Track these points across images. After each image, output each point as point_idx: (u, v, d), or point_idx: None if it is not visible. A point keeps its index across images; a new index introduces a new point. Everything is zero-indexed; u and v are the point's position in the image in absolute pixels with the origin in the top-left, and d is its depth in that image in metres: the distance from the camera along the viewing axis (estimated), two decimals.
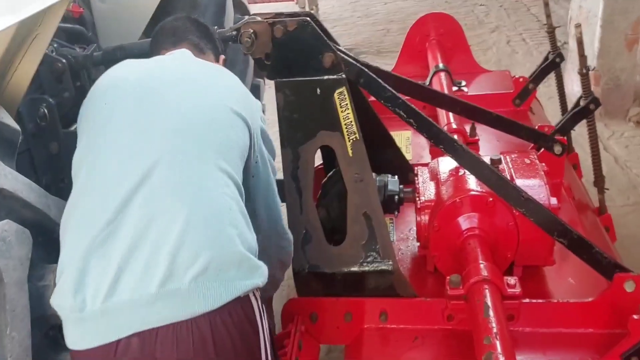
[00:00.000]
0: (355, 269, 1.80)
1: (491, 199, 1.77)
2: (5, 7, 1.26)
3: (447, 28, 3.19)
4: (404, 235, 2.18)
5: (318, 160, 2.06)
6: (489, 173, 1.71)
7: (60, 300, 1.14)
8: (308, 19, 1.74)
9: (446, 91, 2.74)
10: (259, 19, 1.79)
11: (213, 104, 1.43)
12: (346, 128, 1.78)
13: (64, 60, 1.98)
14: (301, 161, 1.83)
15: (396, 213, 2.12)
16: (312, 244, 1.82)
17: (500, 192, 1.71)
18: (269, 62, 1.78)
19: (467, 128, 2.43)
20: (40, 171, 1.97)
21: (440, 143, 1.77)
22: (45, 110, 1.98)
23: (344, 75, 1.76)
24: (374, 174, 2.04)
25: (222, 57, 1.81)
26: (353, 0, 7.54)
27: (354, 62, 1.83)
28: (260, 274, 1.25)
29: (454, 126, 2.39)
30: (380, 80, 1.82)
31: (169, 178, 1.22)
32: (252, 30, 1.74)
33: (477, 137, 2.39)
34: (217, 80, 1.55)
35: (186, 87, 1.44)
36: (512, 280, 1.64)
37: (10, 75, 1.45)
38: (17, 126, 1.32)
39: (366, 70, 1.81)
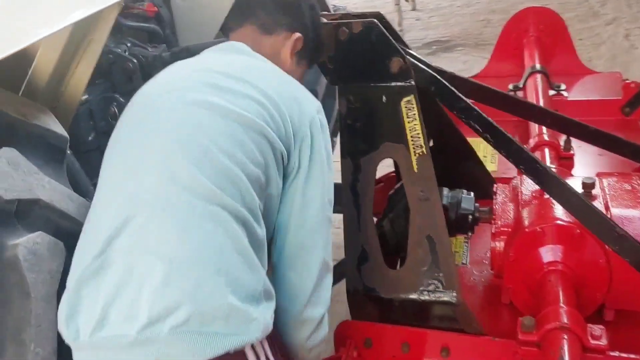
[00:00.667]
0: (414, 296, 1.64)
1: (578, 231, 1.52)
2: (55, 12, 1.25)
3: (548, 24, 2.86)
4: (480, 258, 1.97)
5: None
6: (575, 201, 1.47)
7: (59, 326, 1.11)
8: (375, 20, 1.58)
9: (541, 96, 2.46)
10: (324, 20, 1.66)
11: (218, 118, 1.22)
12: (412, 141, 1.61)
13: (135, 61, 1.98)
14: (362, 174, 1.68)
15: (469, 234, 1.91)
16: (368, 264, 1.68)
17: (588, 224, 1.47)
18: (332, 65, 1.65)
19: (563, 140, 2.15)
20: None
21: (520, 162, 1.55)
22: (116, 109, 2.00)
23: (413, 82, 1.58)
24: (446, 189, 1.86)
25: (297, 35, 1.49)
26: None
27: (425, 67, 1.65)
28: (256, 329, 1.09)
29: (546, 138, 2.12)
30: (453, 89, 1.62)
31: (153, 217, 1.11)
32: None
33: (572, 152, 2.10)
34: (243, 86, 1.29)
35: (194, 99, 1.24)
36: (597, 330, 1.39)
37: (67, 80, 1.46)
38: (64, 132, 1.30)
39: (438, 77, 1.63)
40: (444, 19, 6.26)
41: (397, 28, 5.67)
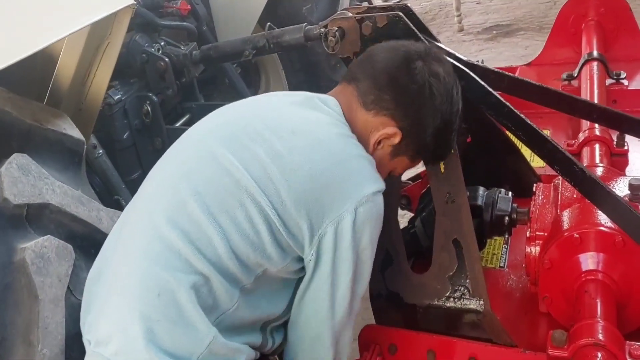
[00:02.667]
0: (439, 303, 1.56)
1: (620, 238, 1.39)
2: (71, 16, 1.28)
3: (609, 6, 2.64)
4: (519, 262, 1.85)
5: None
6: (616, 205, 1.34)
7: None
8: (400, 13, 1.51)
9: (596, 86, 2.27)
10: (348, 14, 1.60)
11: (220, 175, 1.14)
12: None
13: (166, 59, 2.02)
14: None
15: (507, 236, 1.80)
16: (392, 268, 1.62)
17: (631, 231, 1.33)
18: None
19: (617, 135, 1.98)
20: (145, 165, 2.06)
21: (554, 163, 1.43)
22: (149, 108, 2.05)
23: None
24: (481, 189, 1.76)
25: (390, 129, 1.26)
26: None
27: (453, 61, 1.55)
28: None
29: (597, 133, 1.95)
30: (483, 84, 1.52)
31: (129, 240, 1.16)
32: (337, 28, 1.56)
33: (625, 148, 1.92)
34: (267, 153, 1.15)
35: (208, 148, 1.19)
36: (637, 348, 1.27)
37: (89, 83, 1.50)
38: (81, 136, 1.34)
39: (467, 70, 1.53)
40: (506, 1, 5.96)
41: (455, 13, 5.50)
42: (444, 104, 1.27)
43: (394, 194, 1.63)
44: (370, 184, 1.19)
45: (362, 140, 1.26)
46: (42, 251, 1.14)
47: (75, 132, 1.33)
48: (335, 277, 1.19)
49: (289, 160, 1.14)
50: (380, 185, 1.21)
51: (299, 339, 1.27)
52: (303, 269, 1.23)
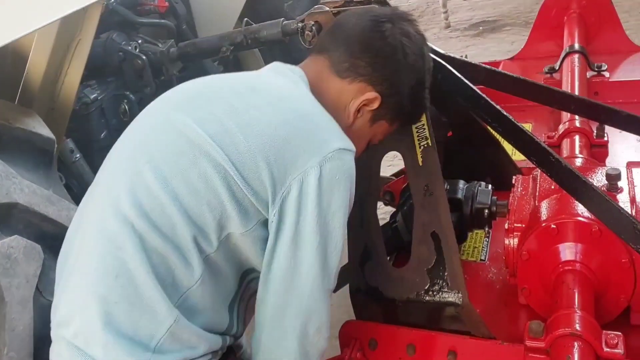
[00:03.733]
0: (418, 296, 1.55)
1: (597, 228, 1.38)
2: (41, 9, 1.26)
3: None
4: (500, 254, 1.84)
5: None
6: (592, 195, 1.33)
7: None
8: (375, 6, 1.50)
9: (577, 77, 2.28)
10: (325, 8, 1.60)
11: (174, 138, 1.09)
12: (417, 132, 1.53)
13: (144, 57, 2.00)
14: (364, 168, 1.60)
15: (487, 229, 1.80)
16: (371, 262, 1.61)
17: (607, 220, 1.33)
18: None
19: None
20: None
21: (530, 154, 1.43)
22: (127, 107, 2.03)
23: None
24: (461, 182, 1.76)
25: (370, 94, 1.23)
26: None
27: (431, 54, 1.54)
28: None
29: (577, 124, 1.95)
30: (460, 77, 1.51)
31: (88, 222, 1.13)
32: (313, 22, 1.56)
33: (605, 139, 1.93)
34: (225, 109, 1.11)
35: (163, 116, 1.15)
36: (614, 337, 1.27)
37: (61, 81, 1.49)
38: (51, 135, 1.32)
39: (444, 63, 1.52)
40: None
41: (441, 10, 5.50)
42: (417, 62, 1.26)
43: (372, 190, 1.63)
44: (337, 140, 1.11)
45: (336, 111, 1.20)
46: (8, 252, 1.13)
47: (45, 131, 1.32)
48: (299, 245, 1.08)
49: (247, 116, 1.10)
50: (350, 144, 1.13)
51: (263, 321, 1.14)
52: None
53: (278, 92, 1.16)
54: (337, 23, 1.31)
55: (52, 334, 1.10)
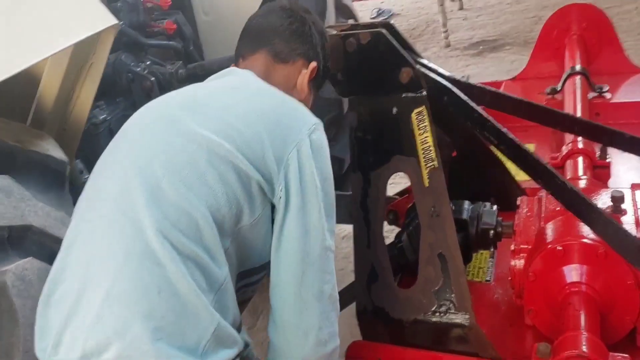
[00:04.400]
0: (425, 317, 1.56)
1: (603, 250, 1.40)
2: (56, 35, 1.29)
3: (591, 21, 2.68)
4: (505, 275, 1.85)
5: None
6: (597, 217, 1.35)
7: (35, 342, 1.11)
8: (383, 31, 1.53)
9: (579, 98, 2.31)
10: (332, 31, 1.62)
11: (181, 141, 1.15)
12: (423, 153, 1.54)
13: (152, 78, 2.02)
14: (372, 188, 1.63)
15: (493, 250, 1.81)
16: (378, 283, 1.62)
17: (612, 243, 1.34)
18: (341, 77, 1.61)
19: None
20: None
21: (536, 175, 1.45)
22: None
23: (424, 93, 1.52)
24: (467, 202, 1.77)
25: (313, 64, 1.42)
26: None
27: (437, 77, 1.57)
28: None
29: (580, 145, 1.97)
30: (466, 99, 1.54)
31: (100, 248, 1.08)
32: None
33: (608, 160, 1.95)
34: (219, 109, 1.22)
35: (164, 127, 1.19)
36: (620, 359, 1.28)
37: (73, 103, 1.50)
38: (64, 157, 1.34)
39: (450, 86, 1.55)
40: (492, 17, 6.04)
41: (441, 29, 5.56)
42: (319, 25, 1.47)
43: (379, 210, 1.64)
44: (311, 116, 1.28)
45: (288, 91, 1.35)
46: (23, 273, 1.13)
47: (58, 153, 1.33)
48: (306, 210, 1.18)
49: (240, 108, 1.22)
50: (318, 119, 1.29)
51: (282, 301, 1.21)
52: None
53: (255, 86, 1.32)
54: (254, 25, 1.46)
55: None
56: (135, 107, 2.09)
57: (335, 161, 2.39)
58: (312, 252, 1.20)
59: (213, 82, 1.37)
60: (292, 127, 1.22)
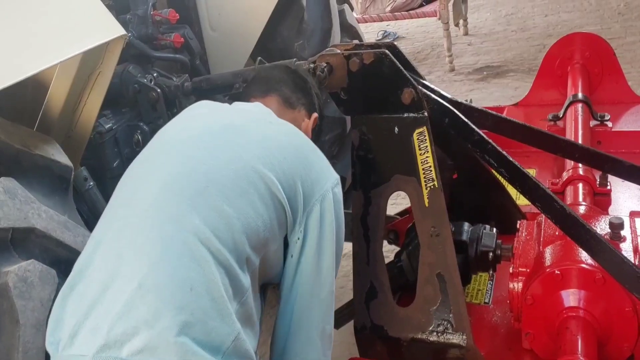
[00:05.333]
0: (422, 337, 1.56)
1: (601, 276, 1.40)
2: (65, 42, 1.31)
3: (594, 50, 2.71)
4: (504, 297, 1.85)
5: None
6: (595, 243, 1.36)
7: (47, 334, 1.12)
8: (386, 51, 1.56)
9: (581, 126, 2.33)
10: (336, 51, 1.65)
11: (227, 161, 1.22)
12: (424, 173, 1.56)
13: (158, 90, 2.04)
14: (372, 206, 1.64)
15: (491, 272, 1.81)
16: (376, 300, 1.62)
17: (610, 269, 1.35)
18: (345, 97, 1.63)
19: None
20: None
21: (536, 200, 1.46)
22: (140, 137, 2.06)
23: (425, 114, 1.54)
24: (466, 224, 1.78)
25: (315, 115, 1.58)
26: (509, 13, 6.99)
27: (438, 99, 1.60)
28: None
29: (580, 172, 1.98)
30: (467, 121, 1.56)
31: (134, 242, 1.10)
32: (325, 64, 1.61)
33: (608, 187, 1.96)
34: (259, 136, 1.31)
35: (209, 142, 1.27)
36: None
37: (80, 110, 1.52)
38: (69, 162, 1.35)
39: (451, 108, 1.57)
40: (497, 43, 6.10)
41: (446, 54, 5.62)
42: (316, 88, 1.62)
43: (379, 228, 1.65)
44: (334, 171, 1.38)
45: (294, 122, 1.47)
46: (25, 275, 1.13)
47: (63, 159, 1.34)
48: (321, 254, 1.29)
49: (279, 140, 1.31)
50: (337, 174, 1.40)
51: (287, 330, 1.30)
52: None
53: (287, 125, 1.42)
54: (263, 74, 1.64)
55: (89, 356, 1.02)
56: (140, 117, 2.13)
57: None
58: (321, 293, 1.31)
59: (244, 109, 1.45)
60: (320, 178, 1.32)
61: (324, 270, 1.30)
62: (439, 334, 1.53)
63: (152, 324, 1.01)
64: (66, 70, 1.42)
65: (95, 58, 1.44)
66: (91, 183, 1.79)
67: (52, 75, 1.46)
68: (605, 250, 1.35)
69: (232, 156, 1.23)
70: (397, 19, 5.93)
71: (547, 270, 1.48)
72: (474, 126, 1.57)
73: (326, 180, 1.33)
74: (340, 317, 1.77)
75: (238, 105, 1.49)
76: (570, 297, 1.45)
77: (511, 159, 1.51)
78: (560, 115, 2.51)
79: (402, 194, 1.64)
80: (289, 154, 1.29)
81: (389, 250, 1.99)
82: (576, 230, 1.40)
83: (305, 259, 1.28)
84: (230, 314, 1.09)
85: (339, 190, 1.35)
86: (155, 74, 2.08)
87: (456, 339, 1.51)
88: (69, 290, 1.12)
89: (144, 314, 1.02)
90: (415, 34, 6.89)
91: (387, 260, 1.73)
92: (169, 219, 1.12)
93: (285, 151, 1.29)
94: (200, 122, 1.36)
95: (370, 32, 6.71)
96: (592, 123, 2.46)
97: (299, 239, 1.28)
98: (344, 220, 1.38)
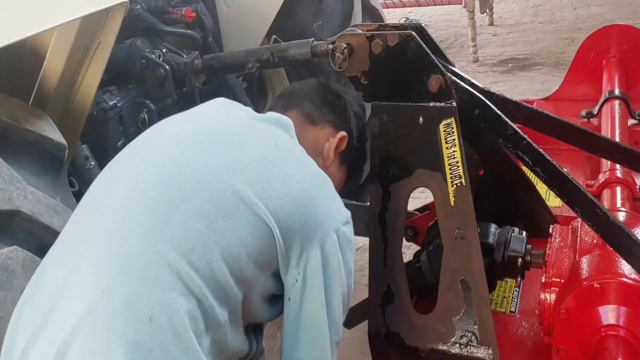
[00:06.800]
0: (443, 348, 1.43)
1: None
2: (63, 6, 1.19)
3: (633, 44, 2.54)
4: (532, 307, 1.70)
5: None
6: None
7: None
8: (413, 33, 1.40)
9: (617, 125, 2.16)
10: (358, 31, 1.50)
11: (215, 173, 1.06)
12: (450, 169, 1.42)
13: (167, 67, 1.93)
14: (391, 202, 1.50)
15: (519, 279, 1.67)
16: (393, 305, 1.49)
17: None
18: (365, 81, 1.49)
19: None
20: None
21: (574, 204, 1.32)
22: (146, 116, 1.95)
23: (454, 104, 1.39)
24: (493, 226, 1.63)
25: (342, 133, 1.41)
26: (537, 4, 6.76)
27: (469, 88, 1.45)
28: None
29: (619, 175, 1.83)
30: (500, 114, 1.41)
31: (95, 251, 0.96)
32: (345, 45, 1.46)
33: None
34: (258, 156, 1.13)
35: (198, 145, 1.12)
36: None
37: (78, 84, 1.41)
38: (62, 140, 1.23)
39: (483, 99, 1.42)
40: (523, 35, 5.89)
41: (470, 44, 5.43)
42: (358, 110, 1.51)
43: (398, 226, 1.51)
44: (344, 209, 1.22)
45: (316, 157, 1.30)
46: (6, 263, 1.03)
47: (56, 135, 1.23)
48: (329, 302, 1.15)
49: (283, 172, 1.13)
50: (348, 212, 1.23)
51: None
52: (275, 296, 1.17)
53: (296, 153, 1.24)
54: (290, 88, 1.55)
55: None
56: (147, 95, 2.01)
57: None
58: (326, 344, 1.17)
59: (251, 118, 1.28)
60: (326, 216, 1.15)
61: (333, 316, 1.16)
62: (462, 347, 1.40)
63: (102, 358, 0.86)
64: (63, 40, 1.31)
65: (94, 27, 1.32)
66: (92, 163, 1.68)
67: (48, 46, 1.34)
68: None
69: (223, 169, 1.07)
70: (420, 6, 5.74)
71: (585, 282, 1.33)
72: (507, 119, 1.42)
73: (331, 222, 1.15)
74: (354, 316, 1.65)
75: (248, 112, 1.32)
76: (610, 314, 1.30)
77: (548, 157, 1.36)
78: (595, 112, 2.35)
79: (422, 187, 1.50)
80: (292, 189, 1.11)
81: (406, 247, 1.86)
82: (620, 240, 1.26)
83: (311, 306, 1.14)
84: (197, 352, 0.94)
85: (347, 230, 1.18)
86: (164, 50, 1.96)
87: (481, 353, 1.38)
88: (27, 296, 0.99)
89: (92, 345, 0.87)
90: (438, 22, 6.69)
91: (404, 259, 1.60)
92: (135, 234, 0.97)
93: (287, 185, 1.11)
94: (197, 122, 1.21)
95: (391, 19, 6.52)
96: (630, 122, 2.29)
97: (297, 281, 1.12)
98: (352, 263, 1.22)
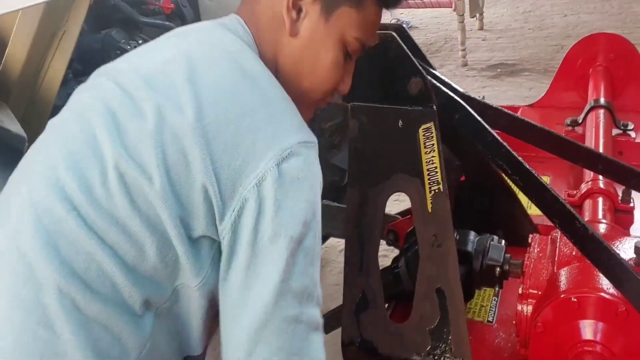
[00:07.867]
0: (417, 358, 1.39)
1: (624, 308, 1.22)
2: None
3: (620, 53, 2.52)
4: (510, 317, 1.67)
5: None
6: (618, 270, 1.18)
7: None
8: (393, 34, 1.36)
9: (602, 134, 2.14)
10: None
11: (79, 145, 0.87)
12: (428, 175, 1.38)
13: None
14: (368, 206, 1.46)
15: (497, 289, 1.64)
16: (368, 312, 1.45)
17: (636, 302, 1.17)
18: None
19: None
20: None
21: (553, 215, 1.28)
22: None
23: (434, 108, 1.35)
24: (472, 233, 1.60)
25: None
26: (527, 10, 6.77)
27: (449, 92, 1.41)
28: None
29: (601, 185, 1.80)
30: (480, 120, 1.38)
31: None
32: None
33: (631, 205, 1.77)
34: (152, 102, 0.86)
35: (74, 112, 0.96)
36: None
37: (42, 74, 1.34)
38: (22, 132, 1.17)
39: (463, 103, 1.38)
40: (512, 40, 5.89)
41: (459, 47, 5.41)
42: None
43: (375, 231, 1.47)
44: (296, 131, 0.87)
45: (276, 32, 0.97)
46: None
47: (15, 127, 1.17)
48: (256, 264, 0.82)
49: (183, 110, 0.84)
50: (311, 136, 0.88)
51: None
52: None
53: (212, 71, 0.90)
54: None
55: None
56: None
57: (337, 171, 2.22)
58: (268, 325, 0.82)
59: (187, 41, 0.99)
60: (257, 149, 0.82)
61: (267, 289, 0.82)
62: (436, 357, 1.36)
63: None
64: (26, 27, 1.24)
65: (59, 15, 1.26)
66: None
67: (10, 34, 1.28)
68: (631, 280, 1.17)
69: (96, 138, 0.86)
70: (410, 7, 5.71)
71: (562, 295, 1.30)
72: (487, 126, 1.39)
73: (269, 152, 0.82)
74: (328, 323, 1.60)
75: (169, 45, 1.01)
76: (587, 329, 1.27)
77: (528, 166, 1.32)
78: (580, 121, 2.33)
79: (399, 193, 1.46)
80: (209, 127, 0.82)
81: (388, 250, 1.82)
82: (598, 255, 1.23)
83: (235, 270, 0.83)
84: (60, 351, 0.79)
85: (293, 165, 0.82)
86: (140, 42, 1.90)
87: None
88: None
89: None
90: (428, 25, 6.67)
91: (384, 262, 1.56)
92: (22, 259, 0.81)
93: (200, 127, 0.81)
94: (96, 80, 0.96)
95: (383, 20, 6.50)
96: (614, 132, 2.27)
97: (223, 238, 0.83)
98: (314, 207, 0.86)
